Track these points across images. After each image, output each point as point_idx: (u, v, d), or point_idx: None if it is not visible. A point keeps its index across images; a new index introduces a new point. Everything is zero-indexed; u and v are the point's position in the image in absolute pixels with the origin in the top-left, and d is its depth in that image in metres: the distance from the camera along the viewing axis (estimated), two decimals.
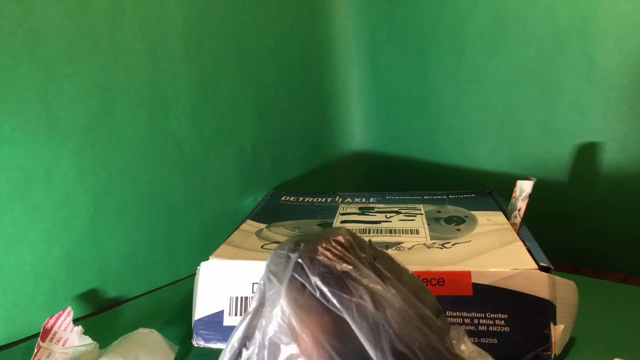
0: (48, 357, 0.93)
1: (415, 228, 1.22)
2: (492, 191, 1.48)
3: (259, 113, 1.58)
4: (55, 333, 0.96)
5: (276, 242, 1.19)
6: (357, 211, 1.36)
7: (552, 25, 1.47)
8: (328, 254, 0.45)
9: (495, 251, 1.03)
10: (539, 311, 0.92)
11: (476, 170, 1.73)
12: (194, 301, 1.05)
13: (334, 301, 0.42)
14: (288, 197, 1.51)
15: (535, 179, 1.16)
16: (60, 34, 1.11)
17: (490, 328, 0.94)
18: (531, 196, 1.15)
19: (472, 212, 1.31)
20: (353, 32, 1.88)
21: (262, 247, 1.15)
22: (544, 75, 1.51)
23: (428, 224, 1.24)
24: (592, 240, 1.48)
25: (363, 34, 1.88)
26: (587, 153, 1.49)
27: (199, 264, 1.07)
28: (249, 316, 0.48)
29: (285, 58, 1.65)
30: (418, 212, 1.34)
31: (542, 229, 1.36)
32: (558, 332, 0.92)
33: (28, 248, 1.07)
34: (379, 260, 0.48)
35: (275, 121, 1.63)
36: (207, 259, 1.06)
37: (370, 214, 1.35)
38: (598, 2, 1.38)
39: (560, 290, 0.94)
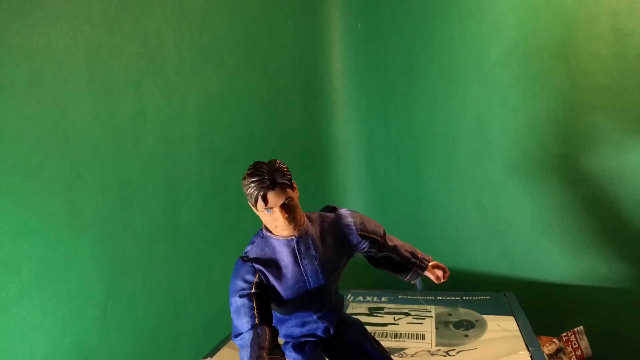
0: None
1: (421, 332, 1.24)
2: (506, 293, 1.50)
3: None
4: None
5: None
6: (366, 312, 1.39)
7: (533, 132, 1.61)
8: None
9: None
10: None
11: (470, 267, 1.79)
12: None
13: None
14: None
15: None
16: (88, 135, 1.22)
17: None
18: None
19: (484, 316, 1.33)
20: (352, 135, 2.03)
21: None
22: (529, 176, 1.63)
23: (436, 328, 1.26)
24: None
25: (361, 137, 2.02)
26: (574, 249, 1.56)
27: (201, 356, 1.10)
28: None
29: (290, 157, 1.77)
30: (428, 314, 1.36)
31: (537, 323, 1.40)
32: None
33: (42, 336, 1.10)
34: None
35: None
36: (209, 351, 1.09)
37: (378, 314, 1.37)
38: (575, 111, 1.53)
39: None
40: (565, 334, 1.38)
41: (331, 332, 0.92)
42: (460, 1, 1.73)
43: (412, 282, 1.00)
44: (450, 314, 1.35)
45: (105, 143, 1.25)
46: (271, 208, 0.81)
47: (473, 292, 1.54)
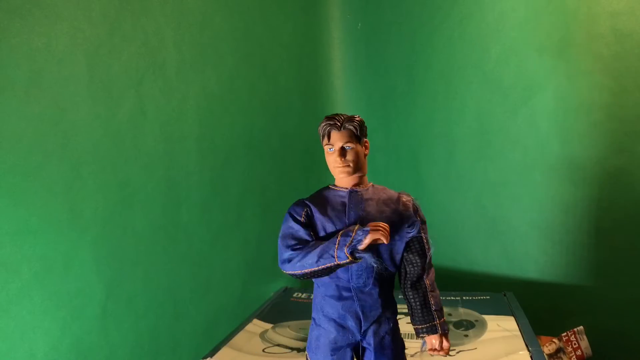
0: None
1: None
2: (506, 293, 1.50)
3: (263, 208, 1.67)
4: None
5: (279, 345, 1.22)
6: None
7: (534, 132, 1.61)
8: None
9: None
10: None
11: (470, 267, 1.79)
12: None
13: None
14: (300, 294, 1.53)
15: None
16: (88, 135, 1.22)
17: None
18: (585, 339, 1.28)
19: (484, 316, 1.32)
20: None
21: (263, 350, 1.18)
22: (530, 176, 1.63)
23: None
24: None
25: None
26: (574, 249, 1.56)
27: (201, 356, 1.10)
28: None
29: (289, 157, 1.77)
30: None
31: (537, 323, 1.40)
32: None
33: (42, 336, 1.10)
34: None
35: (279, 217, 1.71)
36: (209, 351, 1.09)
37: None
38: (575, 111, 1.53)
39: None
40: (565, 334, 1.38)
41: (362, 326, 0.89)
42: (460, 1, 1.73)
43: (419, 336, 0.92)
44: (450, 314, 1.35)
45: (105, 143, 1.25)
46: (332, 146, 0.89)
47: (473, 292, 1.54)
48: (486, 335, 1.19)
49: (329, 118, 0.92)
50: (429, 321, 0.91)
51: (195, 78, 1.46)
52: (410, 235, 0.90)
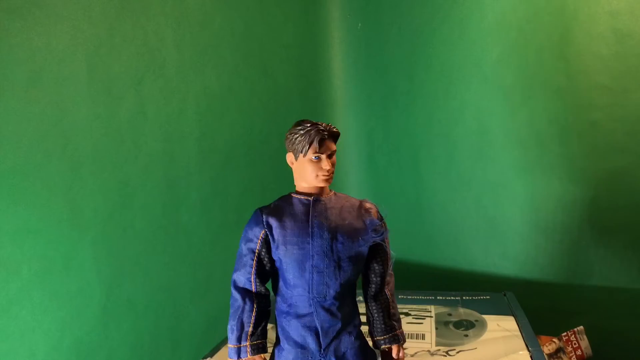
0: None
1: (421, 332, 1.24)
2: (506, 293, 1.50)
3: None
4: None
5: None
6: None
7: (534, 132, 1.61)
8: None
9: None
10: None
11: (470, 267, 1.79)
12: None
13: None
14: None
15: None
16: (88, 135, 1.22)
17: None
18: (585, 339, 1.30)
19: (484, 315, 1.32)
20: (352, 135, 2.03)
21: None
22: (529, 176, 1.63)
23: (436, 328, 1.26)
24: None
25: (361, 136, 2.02)
26: (574, 249, 1.56)
27: (201, 356, 1.10)
28: None
29: None
30: (428, 314, 1.36)
31: (537, 323, 1.40)
32: None
33: (42, 336, 1.10)
34: None
35: None
36: (209, 351, 1.09)
37: None
38: (575, 111, 1.53)
39: None
40: (565, 333, 1.38)
41: (322, 344, 0.88)
42: (460, 1, 1.73)
43: (380, 347, 0.93)
44: (450, 314, 1.35)
45: (105, 143, 1.25)
46: (320, 155, 0.87)
47: (473, 292, 1.53)
48: (486, 335, 1.19)
49: (310, 124, 0.90)
50: (391, 331, 0.93)
51: (195, 78, 1.46)
52: (375, 239, 0.90)
